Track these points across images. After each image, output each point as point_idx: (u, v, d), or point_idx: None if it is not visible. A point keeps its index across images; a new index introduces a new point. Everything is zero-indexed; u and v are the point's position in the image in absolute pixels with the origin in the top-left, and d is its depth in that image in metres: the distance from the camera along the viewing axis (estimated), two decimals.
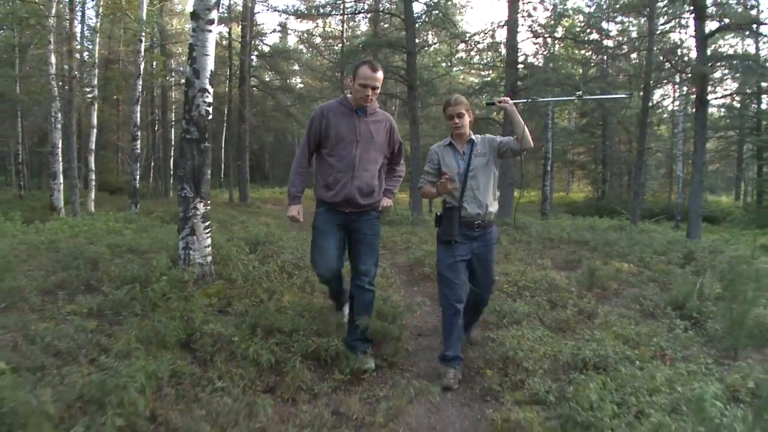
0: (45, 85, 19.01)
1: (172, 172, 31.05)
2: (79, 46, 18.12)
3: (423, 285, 6.80)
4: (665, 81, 20.38)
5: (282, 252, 7.05)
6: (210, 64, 5.55)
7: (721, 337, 5.36)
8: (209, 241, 5.68)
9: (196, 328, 4.17)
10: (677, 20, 16.63)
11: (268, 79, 29.91)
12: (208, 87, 5.53)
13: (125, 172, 34.82)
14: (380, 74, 4.05)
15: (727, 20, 12.63)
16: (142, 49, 17.34)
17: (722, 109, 33.04)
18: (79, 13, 21.61)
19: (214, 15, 5.58)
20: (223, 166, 35.43)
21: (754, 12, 14.10)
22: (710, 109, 31.01)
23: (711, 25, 13.49)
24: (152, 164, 34.28)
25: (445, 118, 4.35)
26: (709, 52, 15.13)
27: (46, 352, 3.79)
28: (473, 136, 4.30)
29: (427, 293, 6.37)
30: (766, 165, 29.23)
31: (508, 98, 4.22)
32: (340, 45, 27.67)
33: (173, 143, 31.21)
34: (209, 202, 5.74)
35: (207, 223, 5.63)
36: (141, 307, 4.56)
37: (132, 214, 15.58)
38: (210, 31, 5.53)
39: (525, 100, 3.57)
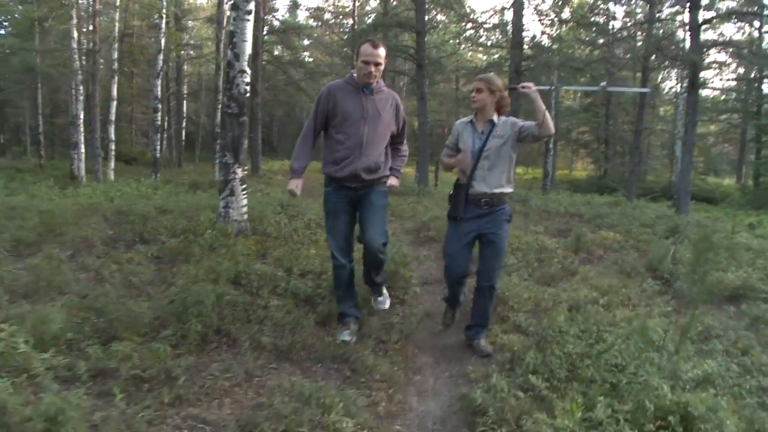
0: (67, 59, 19.79)
1: (183, 143, 31.93)
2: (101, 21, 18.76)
3: (428, 245, 7.69)
4: (664, 65, 20.95)
5: (306, 212, 7.97)
6: (248, 49, 6.42)
7: (685, 293, 6.27)
8: (245, 201, 6.61)
9: (242, 270, 5.09)
10: (674, 8, 17.25)
11: (278, 54, 30.58)
12: (247, 68, 6.41)
13: (139, 143, 35.76)
14: (382, 51, 4.11)
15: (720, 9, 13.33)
16: (163, 25, 18.14)
17: (725, 93, 33.68)
18: None
19: (251, 6, 6.43)
20: (213, 138, 36.20)
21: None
22: (713, 93, 31.62)
23: (706, 15, 14.21)
24: (165, 136, 35.19)
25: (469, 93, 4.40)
26: (708, 38, 15.91)
27: (124, 285, 4.72)
28: (496, 118, 4.27)
29: (432, 250, 7.28)
30: (764, 148, 29.87)
31: (531, 84, 4.16)
32: (350, 21, 28.29)
33: (185, 116, 32.02)
34: (246, 167, 6.66)
35: (244, 186, 6.56)
36: (196, 252, 5.49)
37: (154, 181, 16.49)
38: (248, 20, 6.38)
39: (548, 87, 3.77)
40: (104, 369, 3.24)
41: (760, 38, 19.65)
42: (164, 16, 17.91)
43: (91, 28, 18.48)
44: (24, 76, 27.84)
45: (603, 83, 4.16)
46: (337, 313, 4.44)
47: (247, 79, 6.40)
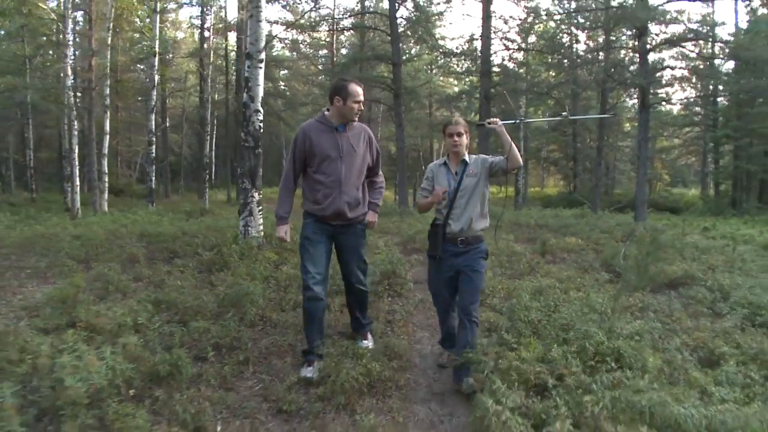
0: (60, 95, 20.73)
1: (170, 175, 32.88)
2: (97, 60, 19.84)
3: (416, 254, 8.91)
4: (619, 88, 22.61)
5: None
6: (260, 92, 7.67)
7: (631, 281, 7.55)
8: (261, 220, 7.79)
9: (270, 273, 6.26)
10: (626, 37, 18.88)
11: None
12: (260, 108, 7.65)
13: (124, 175, 36.61)
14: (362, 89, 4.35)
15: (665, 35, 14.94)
16: (156, 63, 19.28)
17: (686, 108, 35.61)
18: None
19: (263, 55, 7.69)
20: (214, 168, 37.33)
21: (694, 26, 16.42)
22: (674, 108, 33.41)
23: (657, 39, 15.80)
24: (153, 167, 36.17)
25: (444, 136, 4.49)
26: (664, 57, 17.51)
27: (176, 288, 5.85)
28: (466, 157, 4.42)
29: (419, 257, 8.49)
30: (722, 158, 31.70)
31: (498, 119, 4.31)
32: (326, 52, 29.67)
33: (171, 148, 33.01)
34: (261, 192, 7.86)
35: (260, 207, 7.77)
36: (230, 261, 6.66)
37: (154, 209, 17.52)
38: (260, 68, 7.65)
39: (514, 121, 4.27)
40: (192, 339, 4.39)
41: (713, 56, 21.30)
42: (157, 54, 19.03)
43: (86, 64, 19.47)
44: (9, 112, 28.82)
45: (565, 113, 4.83)
46: (303, 349, 4.41)
47: (260, 117, 7.66)
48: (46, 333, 4.30)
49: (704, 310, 6.52)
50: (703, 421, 3.38)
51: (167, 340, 4.28)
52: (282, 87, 36.70)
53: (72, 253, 7.20)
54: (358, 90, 4.22)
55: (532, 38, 24.44)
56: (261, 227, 7.80)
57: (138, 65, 32.69)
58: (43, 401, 3.15)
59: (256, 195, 7.69)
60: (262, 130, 7.71)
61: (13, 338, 4.01)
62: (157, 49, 18.99)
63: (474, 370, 4.05)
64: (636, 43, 15.76)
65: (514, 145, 4.19)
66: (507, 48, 20.07)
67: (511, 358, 4.09)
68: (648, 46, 15.28)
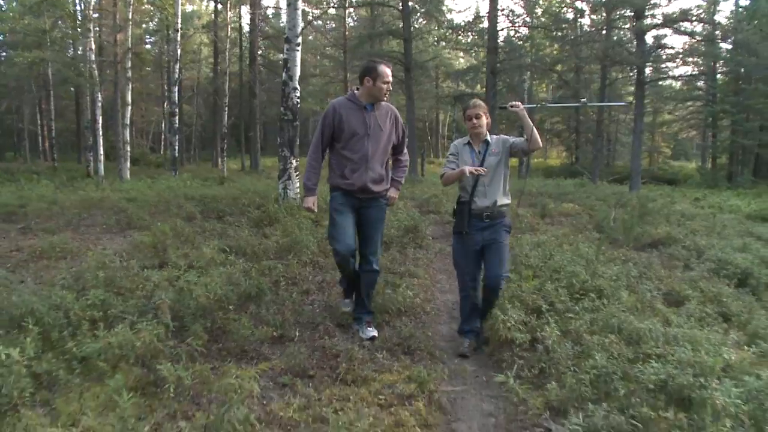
0: (82, 69, 21.67)
1: (185, 145, 33.93)
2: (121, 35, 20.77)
3: (431, 215, 10.07)
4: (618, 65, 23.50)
5: None
6: (298, 72, 8.77)
7: (618, 239, 8.72)
8: (298, 183, 8.94)
9: (311, 227, 7.42)
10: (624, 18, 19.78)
11: (272, 59, 32.71)
12: (297, 86, 8.76)
13: (139, 144, 37.69)
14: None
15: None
16: (179, 38, 20.21)
17: (687, 82, 36.38)
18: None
19: (299, 39, 8.74)
20: (218, 137, 38.35)
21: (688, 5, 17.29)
22: (675, 83, 34.20)
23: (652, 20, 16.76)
24: (164, 137, 37.27)
25: (464, 119, 4.66)
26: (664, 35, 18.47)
27: (238, 239, 7.02)
28: (489, 137, 4.58)
29: (434, 218, 9.66)
30: (720, 133, 32.65)
31: (519, 103, 4.44)
32: (340, 27, 30.49)
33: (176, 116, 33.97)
34: (297, 158, 8.99)
35: (297, 173, 8.89)
36: (278, 217, 7.84)
37: (176, 178, 18.64)
38: (297, 50, 8.73)
39: (535, 105, 4.24)
40: (263, 273, 5.58)
41: (708, 38, 22.07)
42: (179, 29, 19.97)
43: (112, 41, 20.43)
44: (24, 84, 29.83)
45: (583, 99, 5.33)
46: (343, 289, 4.98)
47: (298, 94, 8.77)
48: (145, 269, 5.48)
49: (679, 264, 7.68)
50: (661, 336, 4.52)
51: (247, 273, 5.44)
52: None
53: (136, 212, 8.37)
54: (387, 71, 4.41)
55: (538, 11, 25.28)
56: (298, 189, 8.97)
57: (151, 37, 33.61)
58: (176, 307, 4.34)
59: (294, 162, 8.86)
60: (299, 105, 8.83)
61: (125, 272, 5.20)
62: (179, 25, 19.90)
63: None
64: (634, 23, 16.68)
65: (535, 128, 4.34)
66: (512, 24, 20.88)
67: (514, 289, 5.25)
68: (644, 28, 16.25)
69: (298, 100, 8.77)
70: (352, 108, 4.45)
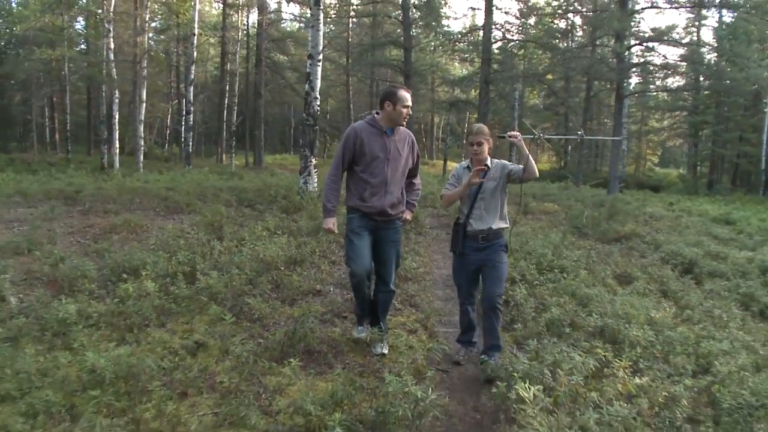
0: (100, 67, 23.08)
1: (182, 140, 35.28)
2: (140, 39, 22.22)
3: (428, 208, 11.60)
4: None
5: None
6: (318, 84, 10.29)
7: (587, 234, 10.28)
8: (317, 179, 10.45)
9: None
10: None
11: (276, 60, 34.13)
12: (318, 96, 10.28)
13: (145, 139, 39.01)
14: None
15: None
16: (195, 41, 21.66)
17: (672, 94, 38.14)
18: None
19: (321, 56, 10.26)
20: (224, 135, 39.79)
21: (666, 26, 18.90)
22: (661, 93, 35.86)
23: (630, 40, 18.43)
24: (167, 133, 38.75)
25: (466, 144, 4.70)
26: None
27: (275, 221, 8.51)
28: (489, 161, 4.61)
29: (433, 210, 11.18)
30: (700, 142, 34.42)
31: (518, 133, 4.49)
32: (343, 32, 32.03)
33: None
34: (316, 158, 10.52)
35: (316, 170, 10.41)
36: (303, 206, 9.36)
37: (190, 170, 20.10)
38: (319, 65, 10.24)
39: (532, 136, 4.88)
40: (300, 246, 7.09)
41: (698, 48, 23.60)
42: (195, 33, 21.42)
43: (133, 42, 21.88)
44: (33, 78, 31.13)
45: (580, 132, 6.17)
46: (357, 316, 4.95)
47: (318, 103, 10.28)
48: (210, 241, 6.99)
49: (635, 254, 9.22)
50: (606, 303, 6.01)
51: (289, 245, 6.95)
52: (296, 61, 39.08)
53: (179, 199, 9.87)
54: (407, 96, 4.44)
55: (531, 21, 26.85)
56: (316, 183, 10.49)
57: (158, 36, 34.88)
58: (246, 264, 5.86)
59: (313, 160, 10.39)
60: (318, 112, 10.37)
61: (196, 241, 6.72)
62: (196, 29, 21.36)
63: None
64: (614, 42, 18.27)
65: (531, 158, 4.37)
66: (505, 37, 22.45)
67: None
68: (619, 50, 17.90)
69: (318, 108, 10.32)
70: (373, 132, 4.50)
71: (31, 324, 4.57)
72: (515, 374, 3.67)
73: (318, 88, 10.29)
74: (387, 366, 4.17)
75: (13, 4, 36.59)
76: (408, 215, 4.84)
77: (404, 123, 4.55)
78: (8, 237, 7.33)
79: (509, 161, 4.83)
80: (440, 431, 3.57)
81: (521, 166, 4.50)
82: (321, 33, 10.31)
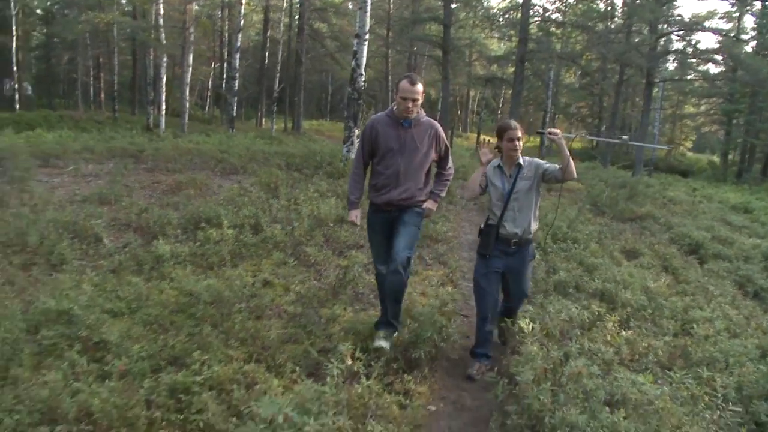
0: (149, 32, 24.12)
1: (227, 104, 36.46)
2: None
3: (459, 180, 12.51)
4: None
5: None
6: (364, 61, 11.20)
7: (606, 212, 11.13)
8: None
9: None
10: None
11: (317, 28, 34.90)
12: (363, 72, 11.21)
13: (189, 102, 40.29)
14: (419, 87, 4.29)
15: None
16: (242, 11, 22.59)
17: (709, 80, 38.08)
18: None
19: (367, 35, 11.13)
20: (264, 100, 40.71)
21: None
22: (696, 81, 35.94)
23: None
24: (209, 95, 40.01)
25: (501, 140, 4.42)
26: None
27: (320, 186, 9.52)
28: (521, 160, 4.42)
29: (460, 186, 12.10)
30: (732, 130, 34.47)
31: (558, 131, 4.30)
32: (385, 6, 32.58)
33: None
34: (359, 129, 11.49)
35: (358, 139, 11.36)
36: (346, 171, 10.36)
37: (233, 134, 21.22)
38: (365, 44, 11.13)
39: (573, 135, 5.00)
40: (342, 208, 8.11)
41: (733, 39, 23.74)
42: (243, 2, 22.32)
43: (183, 9, 22.85)
44: (79, 39, 32.36)
45: (625, 137, 6.42)
46: (378, 319, 4.61)
47: (363, 79, 11.21)
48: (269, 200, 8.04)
49: (647, 233, 10.06)
50: (610, 271, 6.89)
51: (336, 206, 7.97)
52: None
53: (234, 161, 10.95)
54: (405, 86, 4.27)
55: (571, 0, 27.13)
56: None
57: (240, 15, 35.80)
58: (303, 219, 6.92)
59: (356, 131, 11.36)
60: (364, 87, 11.30)
61: (257, 198, 7.79)
62: None
63: None
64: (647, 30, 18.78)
65: (571, 159, 4.17)
66: (543, 18, 22.95)
67: None
68: (651, 43, 18.47)
69: (364, 83, 11.26)
70: (389, 124, 4.42)
71: (128, 260, 5.68)
72: (523, 314, 4.67)
73: (364, 66, 11.21)
74: (417, 307, 5.17)
75: None
76: (431, 204, 4.62)
77: (406, 115, 4.31)
78: (89, 190, 8.47)
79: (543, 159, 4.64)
80: (459, 352, 4.61)
81: (557, 166, 4.32)
82: (368, 14, 11.18)
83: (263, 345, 4.15)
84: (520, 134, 4.34)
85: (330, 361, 3.42)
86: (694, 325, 5.53)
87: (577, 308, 5.08)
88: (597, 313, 5.28)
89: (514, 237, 4.39)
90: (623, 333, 4.99)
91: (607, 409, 3.35)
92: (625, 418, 3.25)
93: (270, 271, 5.71)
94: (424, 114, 4.48)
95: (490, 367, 4.28)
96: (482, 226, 4.59)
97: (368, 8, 11.19)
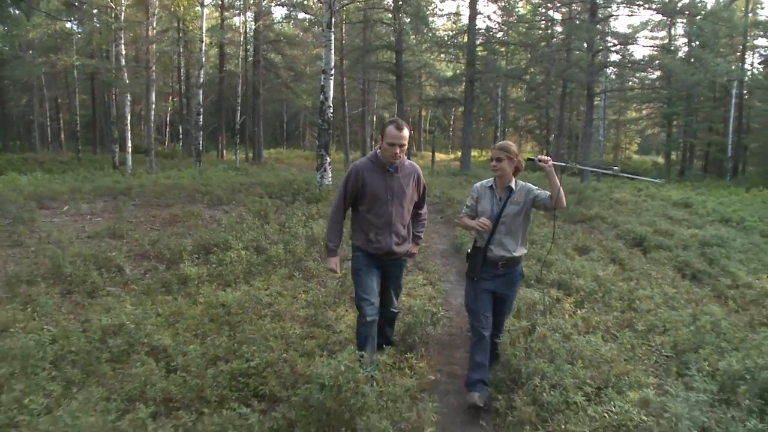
0: (112, 73, 24.71)
1: (194, 139, 37.12)
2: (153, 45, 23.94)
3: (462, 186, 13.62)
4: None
5: None
6: (331, 94, 12.27)
7: (558, 216, 12.33)
8: (331, 174, 12.44)
9: None
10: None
11: (271, 59, 35.90)
12: (331, 105, 12.29)
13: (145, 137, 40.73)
14: (405, 132, 4.26)
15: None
16: (203, 48, 23.44)
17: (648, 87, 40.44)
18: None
19: (332, 71, 12.23)
20: (224, 133, 41.21)
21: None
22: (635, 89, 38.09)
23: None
24: (167, 131, 40.53)
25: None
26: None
27: (303, 210, 10.48)
28: (513, 183, 4.42)
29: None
30: (671, 132, 36.74)
31: (549, 159, 4.24)
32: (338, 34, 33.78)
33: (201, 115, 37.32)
34: (330, 157, 12.51)
35: (330, 166, 12.43)
36: (320, 198, 11.35)
37: (203, 167, 21.94)
38: (331, 79, 12.24)
39: (564, 164, 5.34)
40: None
41: (664, 50, 25.66)
42: (203, 40, 23.19)
43: (144, 48, 23.63)
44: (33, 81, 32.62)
45: (616, 168, 6.89)
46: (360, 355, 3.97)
47: (331, 110, 12.28)
48: (262, 225, 8.98)
49: (595, 232, 11.26)
50: (564, 265, 7.99)
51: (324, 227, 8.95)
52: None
53: (219, 193, 11.83)
54: (392, 131, 4.25)
55: (514, 17, 28.66)
56: (330, 179, 12.48)
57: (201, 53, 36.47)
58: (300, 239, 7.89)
59: (328, 159, 12.41)
60: (332, 118, 12.37)
61: (253, 225, 8.73)
62: (204, 37, 23.13)
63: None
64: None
65: (561, 188, 4.17)
66: (488, 38, 24.40)
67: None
68: (588, 61, 20.13)
69: (332, 115, 12.33)
70: (375, 171, 4.38)
71: (154, 283, 6.59)
72: None
73: (331, 98, 12.26)
74: (409, 302, 6.16)
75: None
76: (414, 249, 4.82)
77: (392, 160, 4.33)
78: (93, 227, 9.24)
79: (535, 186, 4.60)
80: (447, 331, 5.69)
81: (548, 193, 4.32)
82: (332, 52, 12.27)
83: (289, 341, 5.10)
84: (500, 155, 4.35)
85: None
86: (638, 301, 6.68)
87: (539, 294, 6.21)
88: (556, 298, 6.43)
89: (501, 259, 4.41)
90: (578, 312, 6.12)
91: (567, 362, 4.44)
92: (582, 368, 4.33)
93: (280, 284, 6.66)
94: (405, 156, 4.50)
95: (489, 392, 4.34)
96: (469, 249, 4.65)
97: (332, 46, 12.28)
